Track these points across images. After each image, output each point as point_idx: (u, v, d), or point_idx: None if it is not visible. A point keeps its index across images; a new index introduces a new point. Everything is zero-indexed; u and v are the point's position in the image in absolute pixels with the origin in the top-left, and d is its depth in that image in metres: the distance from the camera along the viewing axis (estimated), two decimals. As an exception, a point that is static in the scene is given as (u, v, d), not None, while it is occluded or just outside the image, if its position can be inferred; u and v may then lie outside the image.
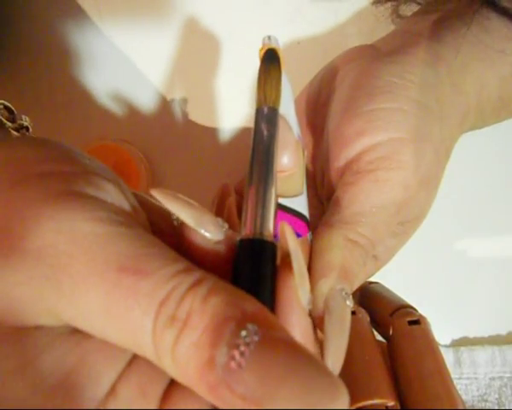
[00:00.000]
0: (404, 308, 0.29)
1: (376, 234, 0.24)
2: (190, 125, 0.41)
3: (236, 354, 0.12)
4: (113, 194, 0.16)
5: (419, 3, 0.26)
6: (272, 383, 0.12)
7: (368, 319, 0.29)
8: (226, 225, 0.17)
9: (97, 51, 0.41)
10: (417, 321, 0.28)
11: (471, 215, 0.39)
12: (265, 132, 0.20)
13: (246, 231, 0.17)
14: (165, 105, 0.41)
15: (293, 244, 0.17)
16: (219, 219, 0.17)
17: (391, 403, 0.24)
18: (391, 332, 0.28)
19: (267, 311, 0.14)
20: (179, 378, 0.14)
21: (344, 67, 0.30)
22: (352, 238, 0.23)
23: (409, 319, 0.28)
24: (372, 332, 0.28)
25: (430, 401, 0.24)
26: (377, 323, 0.30)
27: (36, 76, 0.41)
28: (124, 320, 0.14)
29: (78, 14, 0.41)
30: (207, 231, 0.16)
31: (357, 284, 0.23)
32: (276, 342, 0.13)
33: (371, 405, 0.24)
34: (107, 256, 0.14)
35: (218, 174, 0.40)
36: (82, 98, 0.41)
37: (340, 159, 0.26)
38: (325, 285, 0.21)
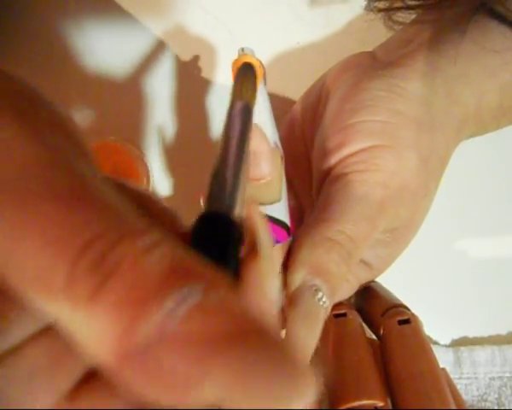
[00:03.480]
0: (395, 308, 0.29)
1: (357, 231, 0.24)
2: (190, 124, 0.41)
3: (170, 317, 0.10)
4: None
5: (409, 8, 0.26)
6: (206, 357, 0.09)
7: (359, 320, 0.29)
8: None
9: (98, 49, 0.41)
10: (407, 320, 0.28)
11: (471, 215, 0.39)
12: (239, 119, 0.18)
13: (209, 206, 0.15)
14: (165, 105, 0.41)
15: (259, 226, 0.15)
16: None
17: (380, 404, 0.24)
18: (382, 332, 0.28)
19: (217, 272, 0.11)
20: (90, 343, 0.10)
21: (340, 76, 0.30)
22: (330, 237, 0.23)
23: (399, 318, 0.28)
24: (363, 333, 0.28)
25: (421, 401, 0.24)
26: (370, 323, 0.30)
27: (35, 75, 0.41)
28: (33, 256, 0.10)
29: (80, 13, 0.41)
30: None
31: (341, 286, 0.23)
32: (222, 307, 0.10)
33: (360, 405, 0.24)
34: (40, 184, 0.11)
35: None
36: (82, 98, 0.41)
37: (322, 170, 0.27)
38: (291, 281, 0.21)
